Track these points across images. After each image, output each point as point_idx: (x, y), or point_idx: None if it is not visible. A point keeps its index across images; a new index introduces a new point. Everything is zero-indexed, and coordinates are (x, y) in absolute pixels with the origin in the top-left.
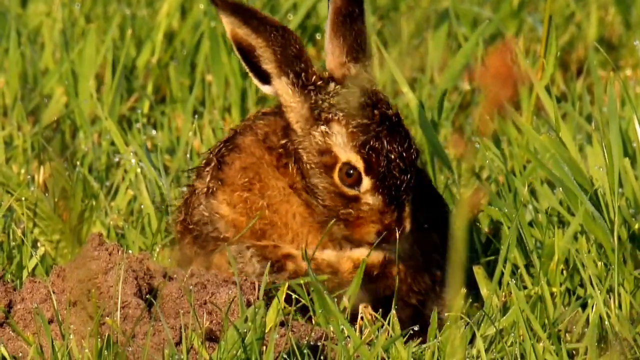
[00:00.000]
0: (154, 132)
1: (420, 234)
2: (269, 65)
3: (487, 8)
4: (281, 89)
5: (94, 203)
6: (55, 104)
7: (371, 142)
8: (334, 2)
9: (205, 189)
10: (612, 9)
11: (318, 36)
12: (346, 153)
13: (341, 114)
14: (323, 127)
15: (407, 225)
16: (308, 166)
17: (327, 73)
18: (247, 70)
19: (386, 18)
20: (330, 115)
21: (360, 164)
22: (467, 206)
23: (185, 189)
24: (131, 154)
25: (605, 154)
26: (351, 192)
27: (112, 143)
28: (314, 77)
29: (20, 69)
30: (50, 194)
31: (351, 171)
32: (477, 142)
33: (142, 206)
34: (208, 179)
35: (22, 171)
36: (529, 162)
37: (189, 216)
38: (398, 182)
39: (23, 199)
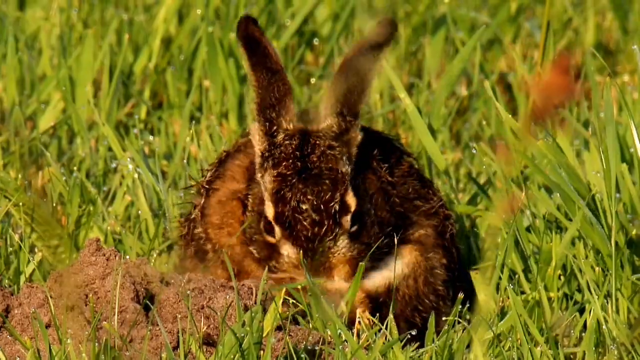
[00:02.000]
0: (151, 137)
1: (422, 252)
2: (252, 105)
3: (485, 13)
4: (253, 131)
5: (91, 208)
6: (53, 109)
7: (282, 192)
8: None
9: (199, 213)
10: (610, 14)
11: (315, 41)
12: (266, 201)
13: (272, 163)
14: (264, 176)
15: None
16: (249, 214)
17: (291, 125)
18: None
19: None
20: (268, 164)
21: (270, 212)
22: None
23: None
24: (128, 159)
25: (603, 160)
26: (271, 239)
27: (110, 149)
28: (275, 127)
29: (17, 75)
30: (47, 199)
31: (267, 219)
32: (474, 148)
33: (140, 212)
34: (202, 201)
35: (20, 176)
36: (527, 167)
37: (191, 233)
38: (309, 234)
39: (20, 204)
